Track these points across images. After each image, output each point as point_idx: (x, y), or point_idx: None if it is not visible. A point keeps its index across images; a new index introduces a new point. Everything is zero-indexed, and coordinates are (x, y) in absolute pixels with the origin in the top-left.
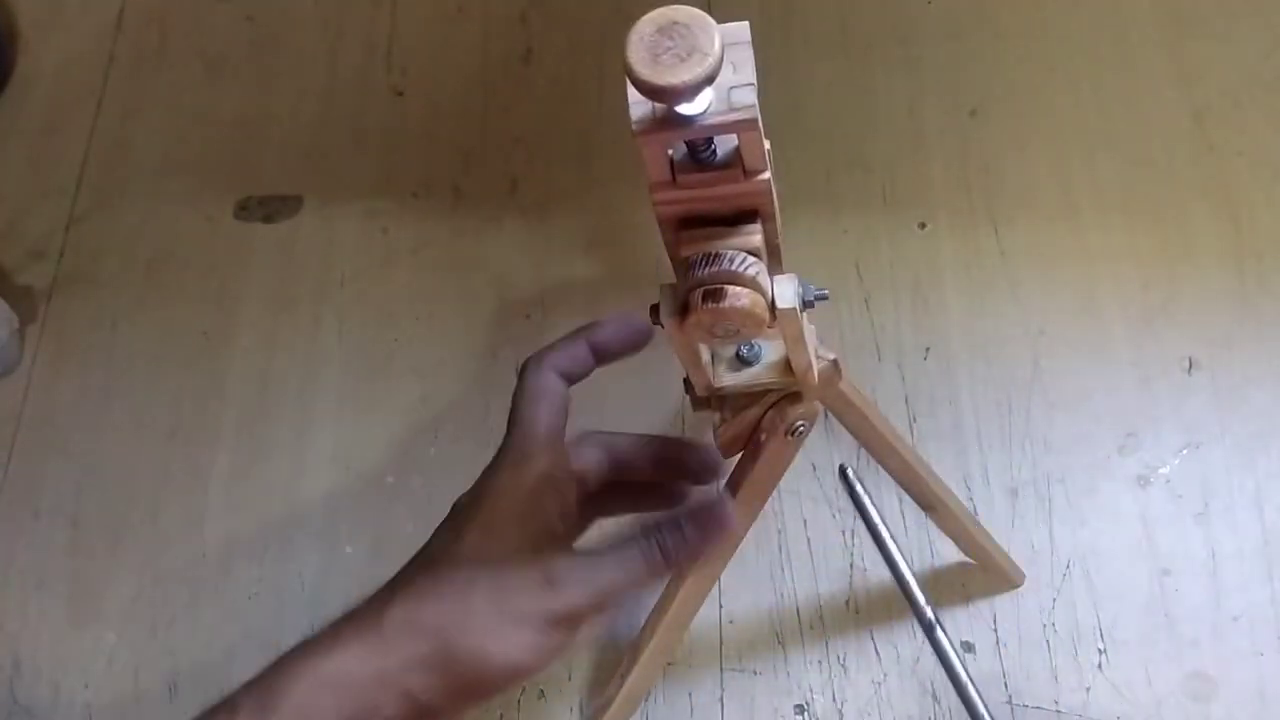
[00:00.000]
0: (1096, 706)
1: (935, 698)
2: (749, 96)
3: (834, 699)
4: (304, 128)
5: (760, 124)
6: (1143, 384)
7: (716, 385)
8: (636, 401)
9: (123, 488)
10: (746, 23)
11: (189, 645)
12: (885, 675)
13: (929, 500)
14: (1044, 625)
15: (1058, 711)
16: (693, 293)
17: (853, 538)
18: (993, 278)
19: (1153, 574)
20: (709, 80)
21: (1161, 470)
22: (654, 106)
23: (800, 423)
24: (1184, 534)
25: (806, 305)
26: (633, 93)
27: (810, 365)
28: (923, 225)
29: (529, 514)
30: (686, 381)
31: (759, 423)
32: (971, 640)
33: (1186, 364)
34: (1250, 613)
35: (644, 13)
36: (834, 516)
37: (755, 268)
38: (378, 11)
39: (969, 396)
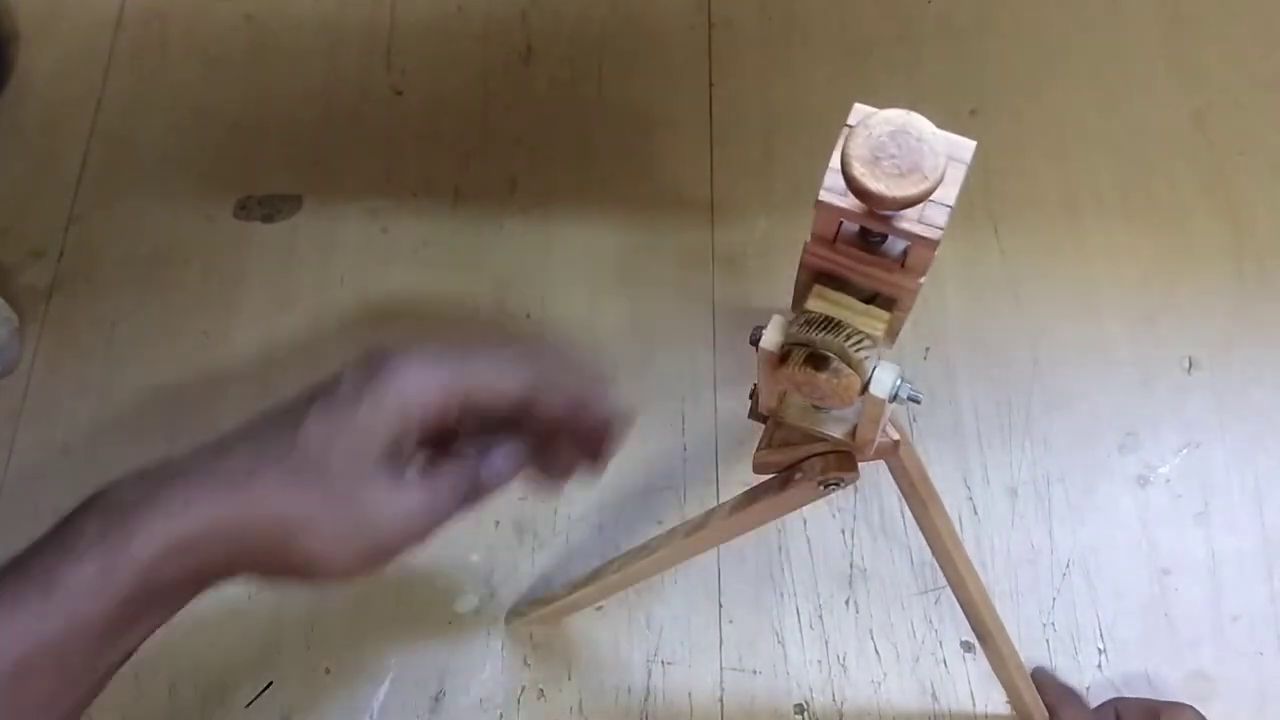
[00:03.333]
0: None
1: (935, 697)
2: (941, 218)
3: (834, 699)
4: (304, 128)
5: (939, 245)
6: (1143, 384)
7: (781, 414)
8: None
9: None
10: (974, 144)
11: (189, 645)
12: (885, 675)
13: (981, 629)
14: (1044, 625)
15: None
16: (798, 348)
17: (852, 538)
18: (993, 278)
19: (1152, 574)
20: (918, 203)
21: (1161, 470)
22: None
23: (838, 481)
24: (1184, 534)
25: (897, 399)
26: (835, 160)
27: (874, 441)
28: None
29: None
30: (754, 392)
31: (800, 462)
32: (971, 640)
33: (1186, 364)
34: (1250, 612)
35: (642, 14)
36: (834, 516)
37: (866, 352)
38: (378, 11)
39: (969, 396)
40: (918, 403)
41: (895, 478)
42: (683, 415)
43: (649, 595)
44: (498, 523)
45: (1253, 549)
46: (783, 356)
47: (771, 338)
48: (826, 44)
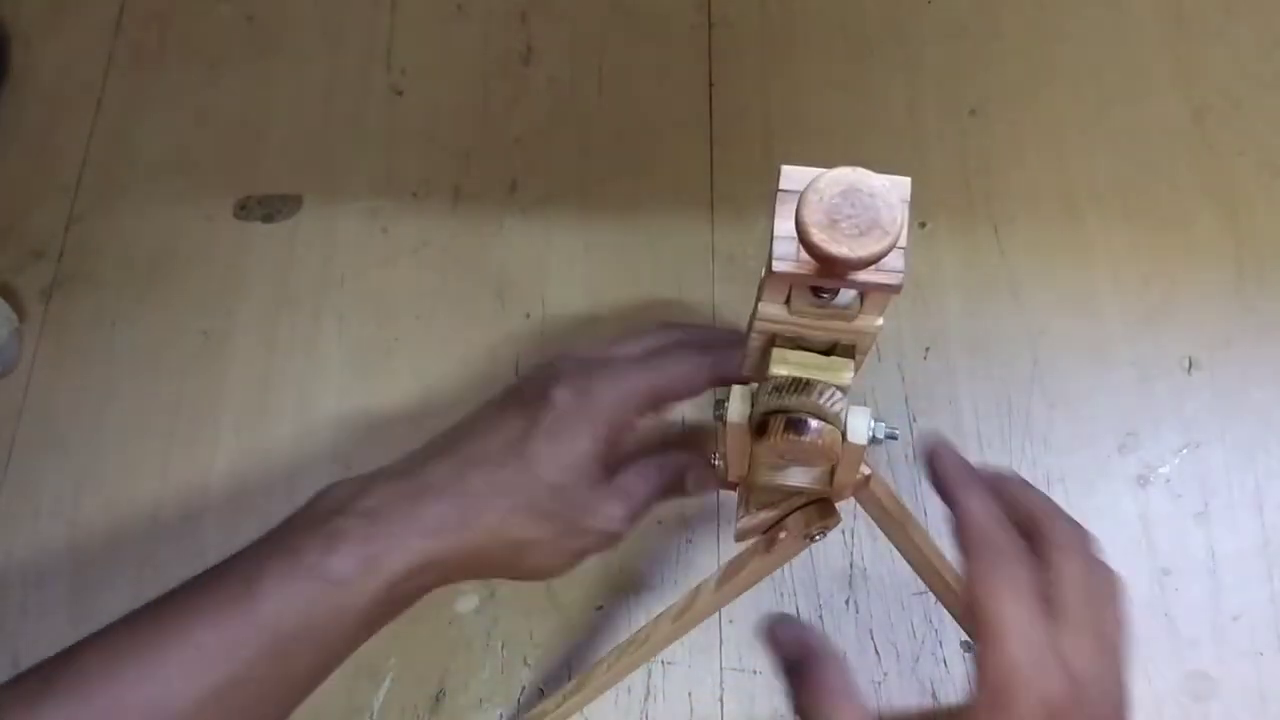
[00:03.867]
0: None
1: (935, 698)
2: (899, 262)
3: None
4: (304, 128)
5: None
6: (1143, 384)
7: (753, 479)
8: None
9: (123, 487)
10: (908, 180)
11: None
12: (885, 675)
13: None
14: None
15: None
16: (774, 416)
17: (852, 538)
18: (993, 277)
19: (1152, 574)
20: (883, 258)
21: (1161, 470)
22: (802, 251)
23: (823, 531)
24: (1184, 534)
25: (874, 441)
26: (781, 227)
27: (850, 485)
28: (922, 225)
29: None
30: (718, 457)
31: (781, 520)
32: (971, 640)
33: (1186, 364)
34: (1250, 612)
35: (642, 13)
36: None
37: (840, 404)
38: (378, 11)
39: (969, 396)
40: (895, 439)
41: (865, 508)
42: (683, 415)
43: (648, 595)
44: None
45: (1253, 549)
46: (760, 428)
47: (738, 409)
48: (826, 44)
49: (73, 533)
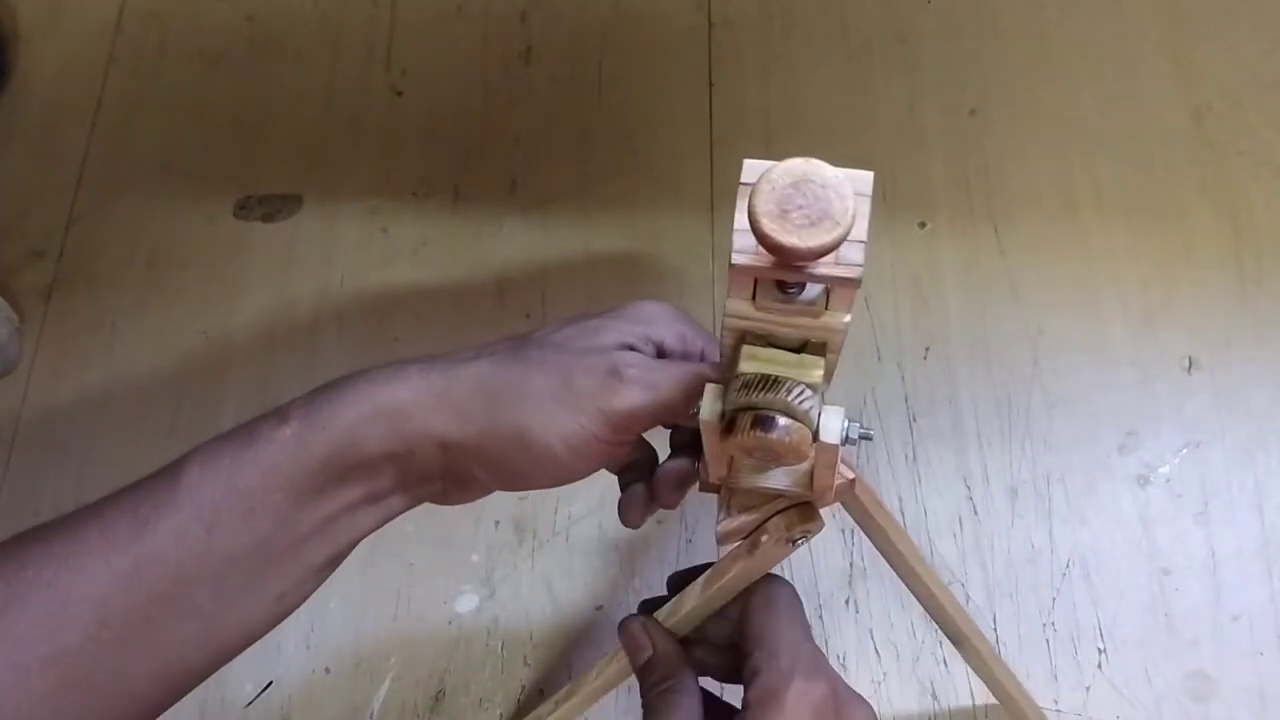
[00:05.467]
0: (1096, 706)
1: (935, 697)
2: (858, 255)
3: None
4: (304, 127)
5: (861, 283)
6: (1143, 384)
7: (733, 481)
8: None
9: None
10: (871, 174)
11: None
12: (885, 675)
13: (955, 635)
14: (1043, 625)
15: (1057, 711)
16: (743, 413)
17: (853, 537)
18: (993, 277)
19: (1152, 573)
20: (834, 249)
21: (1161, 470)
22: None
23: (805, 534)
24: (1184, 533)
25: (848, 441)
26: (740, 221)
27: (832, 487)
28: (923, 224)
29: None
30: (699, 462)
31: (762, 524)
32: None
33: (1186, 364)
34: (1250, 612)
35: (642, 13)
36: (834, 516)
37: (810, 402)
38: (378, 11)
39: (969, 396)
40: (869, 439)
41: (850, 513)
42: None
43: (648, 595)
44: (497, 523)
45: (1253, 549)
46: (728, 426)
47: (711, 407)
48: (826, 44)
49: None
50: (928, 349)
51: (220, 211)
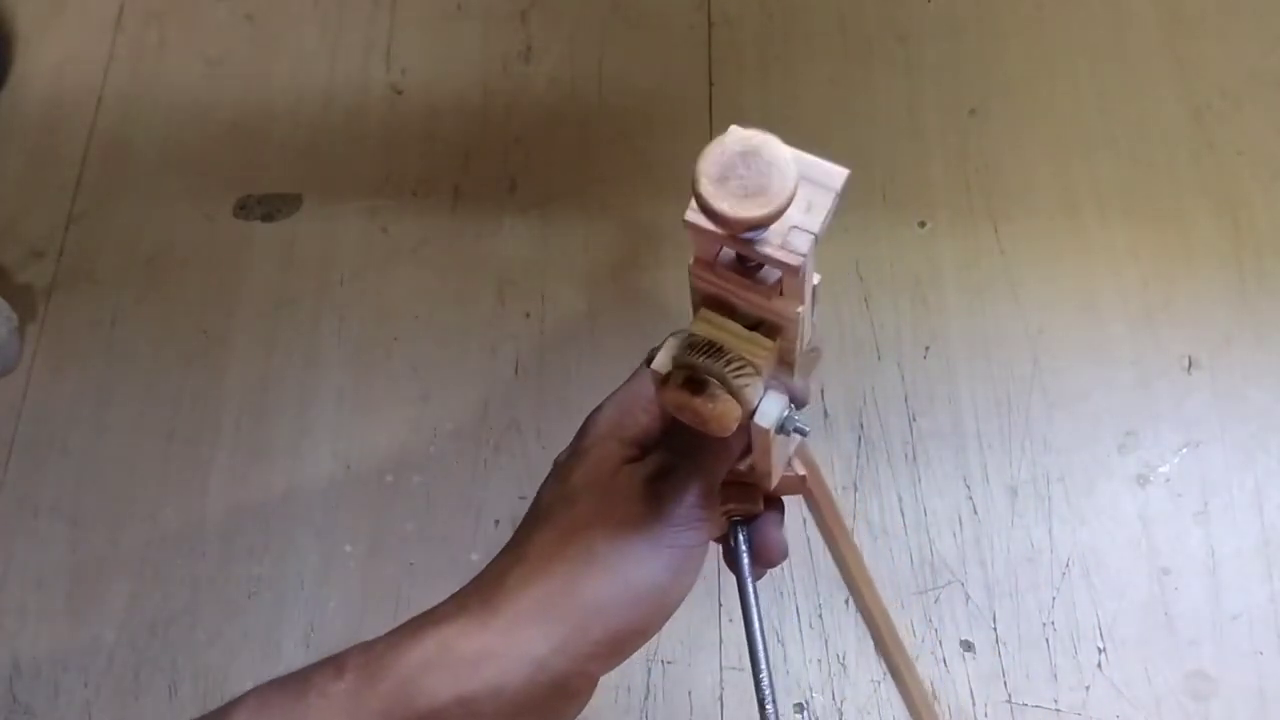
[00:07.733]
0: (1096, 705)
1: (935, 697)
2: (803, 244)
3: (834, 698)
4: (304, 127)
5: (805, 271)
6: (1142, 383)
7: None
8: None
9: (122, 487)
10: (846, 171)
11: (189, 644)
12: (885, 675)
13: (883, 646)
14: (1043, 624)
15: (1057, 710)
16: (678, 370)
17: (853, 537)
18: (993, 277)
19: (1152, 573)
20: (764, 225)
21: (1161, 469)
22: None
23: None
24: (1183, 533)
25: (784, 431)
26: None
27: (770, 474)
28: (922, 224)
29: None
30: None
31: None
32: (971, 639)
33: (1186, 363)
34: (1250, 612)
35: (642, 13)
36: None
37: (748, 380)
38: (378, 11)
39: (969, 395)
40: (805, 434)
41: (809, 509)
42: None
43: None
44: (497, 522)
45: (1253, 549)
46: (665, 377)
47: (663, 359)
48: (826, 44)
49: (73, 533)
50: (927, 348)
51: (220, 211)
